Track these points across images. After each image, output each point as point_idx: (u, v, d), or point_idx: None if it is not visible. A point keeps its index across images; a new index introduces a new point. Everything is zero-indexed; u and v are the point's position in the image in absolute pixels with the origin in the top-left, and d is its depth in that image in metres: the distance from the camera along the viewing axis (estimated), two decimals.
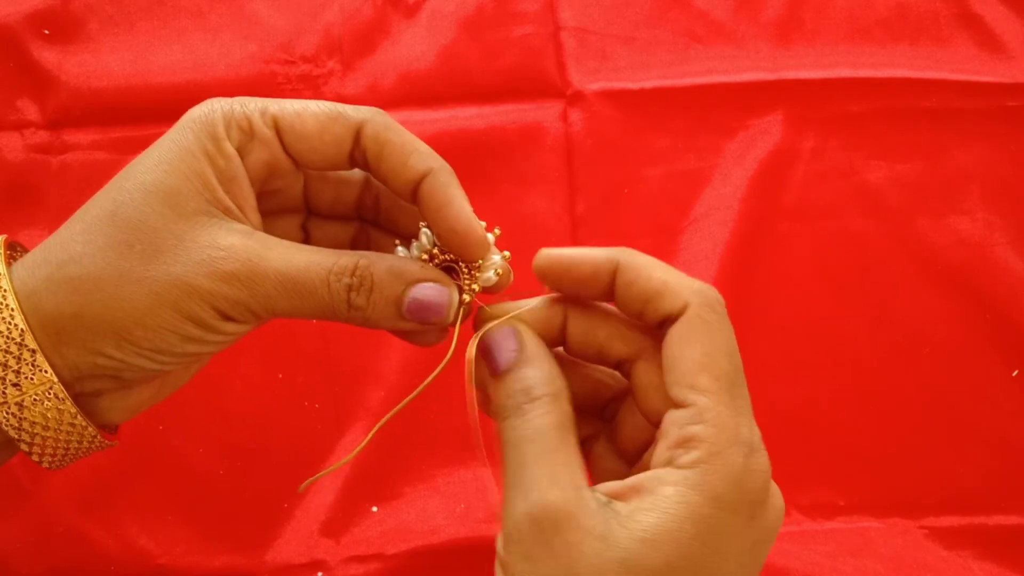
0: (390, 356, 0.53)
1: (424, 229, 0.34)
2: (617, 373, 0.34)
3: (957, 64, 0.55)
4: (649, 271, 0.30)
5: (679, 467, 0.27)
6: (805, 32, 0.56)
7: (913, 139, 0.55)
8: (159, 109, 0.54)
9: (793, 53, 0.56)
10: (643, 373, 0.31)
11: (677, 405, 0.28)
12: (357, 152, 0.33)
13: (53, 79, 0.54)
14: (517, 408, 0.29)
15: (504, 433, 0.30)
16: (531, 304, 0.32)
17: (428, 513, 0.52)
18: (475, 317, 0.33)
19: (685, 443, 0.27)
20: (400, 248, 0.34)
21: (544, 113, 0.55)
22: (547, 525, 0.27)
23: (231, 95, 0.54)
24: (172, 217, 0.30)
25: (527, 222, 0.55)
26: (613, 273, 0.30)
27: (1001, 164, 0.55)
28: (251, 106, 0.32)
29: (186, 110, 0.54)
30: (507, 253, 0.34)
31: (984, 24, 0.56)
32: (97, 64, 0.54)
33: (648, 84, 0.55)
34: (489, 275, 0.33)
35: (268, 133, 0.32)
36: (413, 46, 0.56)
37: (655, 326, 0.31)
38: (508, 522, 0.28)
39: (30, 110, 0.54)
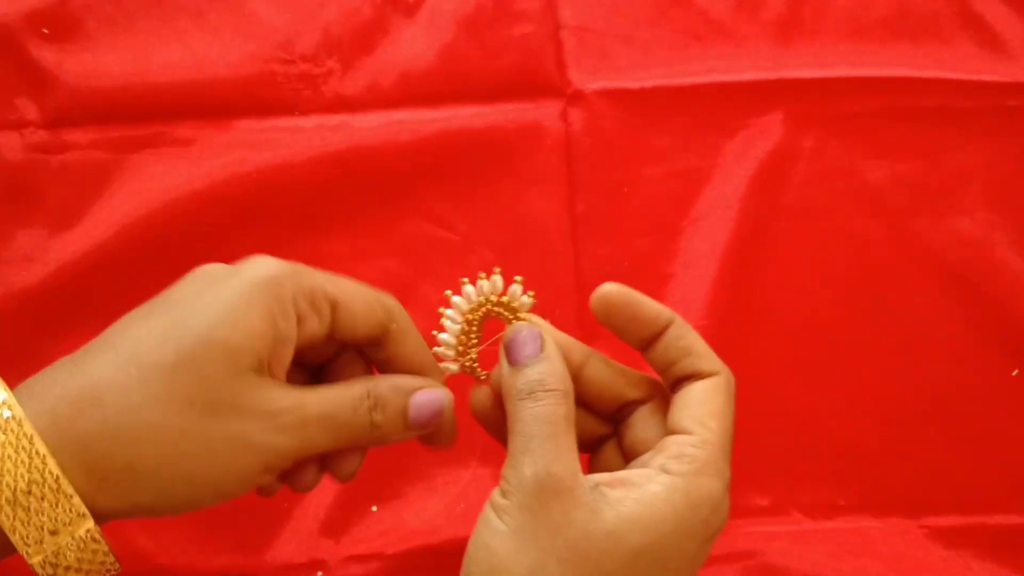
0: None
1: (467, 287, 0.37)
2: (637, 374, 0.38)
3: (958, 63, 0.55)
4: (696, 335, 0.36)
5: (669, 472, 0.32)
6: (805, 31, 0.56)
7: (913, 139, 0.55)
8: (158, 108, 0.54)
9: (793, 52, 0.56)
10: (641, 418, 0.37)
11: (681, 432, 0.33)
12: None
13: (52, 78, 0.54)
14: (532, 394, 0.33)
15: (516, 411, 0.33)
16: (648, 304, 0.36)
17: (428, 513, 0.52)
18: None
19: (680, 457, 0.32)
20: (451, 304, 0.38)
21: (544, 112, 0.55)
22: (549, 489, 0.30)
23: (230, 94, 0.54)
24: (230, 373, 0.31)
25: (527, 222, 0.55)
26: (666, 326, 0.35)
27: (1001, 164, 0.55)
28: (317, 280, 0.34)
29: (185, 109, 0.54)
30: (532, 293, 0.38)
31: (985, 23, 0.56)
32: (96, 63, 0.54)
33: (648, 84, 0.55)
34: (523, 300, 0.37)
35: (326, 310, 0.34)
36: (413, 45, 0.56)
37: (675, 379, 0.36)
38: (512, 478, 0.31)
39: (29, 109, 0.54)
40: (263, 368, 0.32)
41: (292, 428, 0.32)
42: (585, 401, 0.37)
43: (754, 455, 0.53)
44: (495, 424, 0.37)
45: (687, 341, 0.35)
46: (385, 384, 0.36)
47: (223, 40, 0.55)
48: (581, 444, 0.38)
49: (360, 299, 0.35)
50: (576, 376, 0.36)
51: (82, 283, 0.52)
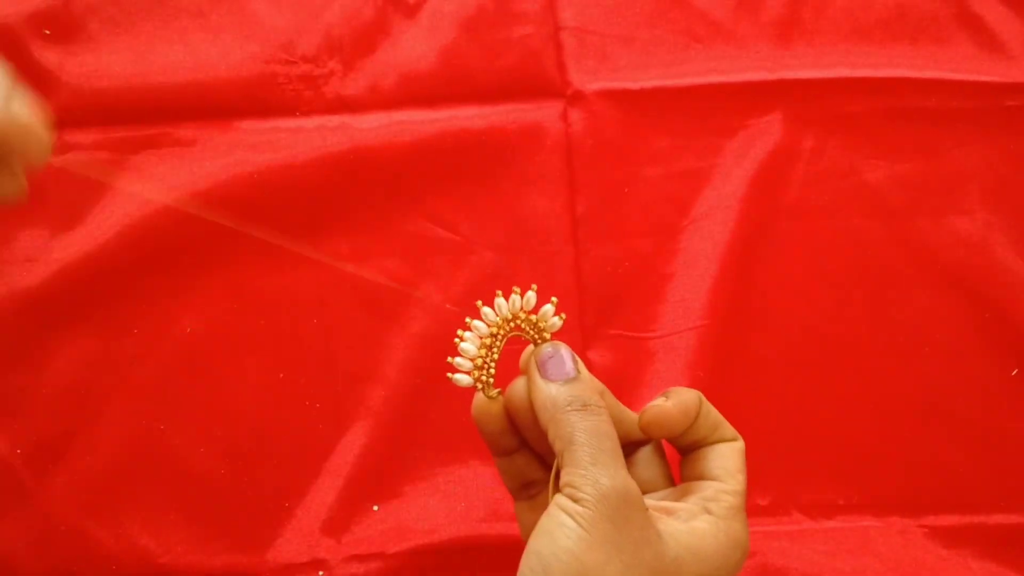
0: (391, 356, 0.53)
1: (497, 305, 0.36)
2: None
3: (957, 64, 0.55)
4: (712, 407, 0.37)
5: (712, 513, 0.34)
6: (805, 32, 0.56)
7: (913, 139, 0.55)
8: (160, 109, 0.54)
9: (793, 53, 0.56)
10: (644, 459, 0.38)
11: (716, 480, 0.35)
12: None
13: (54, 79, 0.54)
14: (585, 407, 0.33)
15: (569, 422, 0.33)
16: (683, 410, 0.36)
17: (429, 512, 0.52)
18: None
19: (719, 500, 0.34)
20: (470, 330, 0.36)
21: (544, 113, 0.55)
22: (631, 501, 0.31)
23: (232, 95, 0.55)
24: None
25: (527, 222, 0.55)
26: (697, 412, 0.36)
27: (1001, 164, 0.55)
28: None
29: (187, 110, 0.54)
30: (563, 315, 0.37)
31: (984, 24, 0.56)
32: (98, 64, 0.54)
33: (648, 84, 0.55)
34: (553, 321, 0.37)
35: None
36: (414, 46, 0.56)
37: (696, 444, 0.37)
38: (587, 487, 0.32)
39: None
40: None
41: None
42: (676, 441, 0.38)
43: (754, 455, 0.52)
44: (496, 433, 0.37)
45: (714, 415, 0.37)
46: None
47: (225, 41, 0.55)
48: None
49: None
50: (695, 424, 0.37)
51: (83, 284, 0.52)
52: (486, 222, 0.55)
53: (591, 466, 0.32)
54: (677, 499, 0.35)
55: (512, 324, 0.36)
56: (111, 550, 0.50)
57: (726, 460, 0.36)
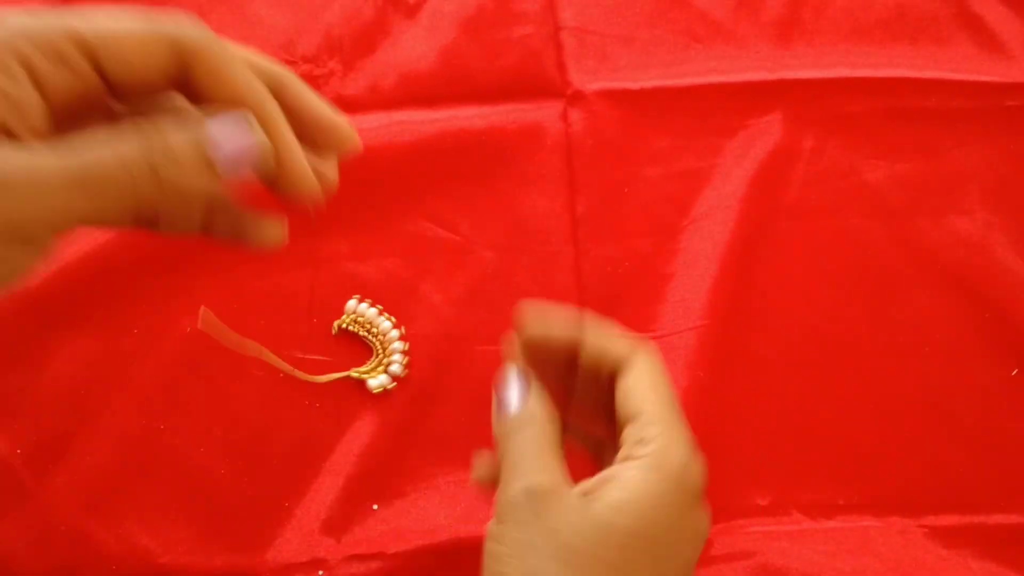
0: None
1: None
2: None
3: (957, 64, 0.55)
4: (602, 326, 0.37)
5: (636, 457, 0.33)
6: (805, 32, 0.56)
7: (913, 139, 0.55)
8: None
9: (793, 53, 0.56)
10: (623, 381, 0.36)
11: (631, 421, 0.34)
12: (176, 72, 0.30)
13: None
14: (520, 428, 0.34)
15: (503, 445, 0.35)
16: (558, 332, 0.37)
17: (429, 512, 0.52)
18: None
19: (641, 441, 0.33)
20: None
21: (544, 113, 0.55)
22: (539, 499, 0.32)
23: None
24: None
25: (527, 222, 0.55)
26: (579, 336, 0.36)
27: (1001, 164, 0.55)
28: (63, 25, 0.28)
29: None
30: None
31: (984, 24, 0.56)
32: None
33: (648, 84, 0.55)
34: (394, 363, 0.40)
35: (78, 60, 0.29)
36: (413, 46, 0.56)
37: (608, 378, 0.36)
38: (503, 500, 0.33)
39: None
40: None
41: (33, 196, 0.27)
42: (595, 374, 0.37)
43: (754, 455, 0.53)
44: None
45: (599, 336, 0.36)
46: (169, 120, 0.29)
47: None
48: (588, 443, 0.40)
49: (132, 39, 0.29)
50: (580, 354, 0.37)
51: (83, 284, 0.52)
52: (486, 222, 0.55)
53: (510, 472, 0.33)
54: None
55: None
56: (111, 550, 0.50)
57: (632, 393, 0.35)
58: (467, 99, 0.55)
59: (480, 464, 0.38)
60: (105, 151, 0.28)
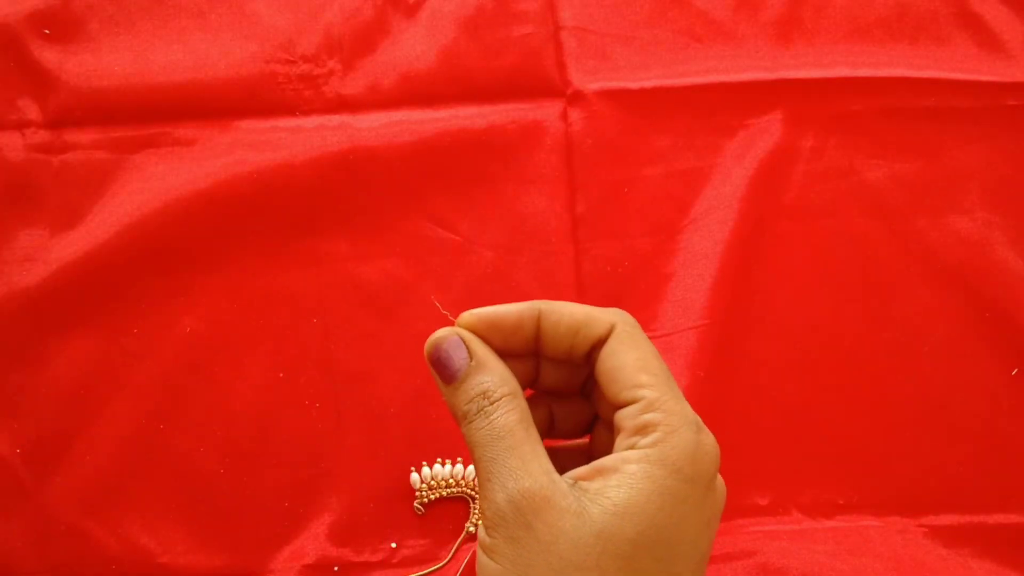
0: (392, 356, 0.53)
1: None
2: None
3: (957, 63, 0.55)
4: (571, 308, 0.33)
5: (640, 447, 0.30)
6: (804, 32, 0.56)
7: (913, 138, 0.55)
8: (160, 109, 0.54)
9: (793, 53, 0.56)
10: (606, 358, 0.33)
11: (626, 404, 0.31)
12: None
13: (54, 79, 0.54)
14: (480, 411, 0.31)
15: (470, 435, 0.31)
16: (506, 309, 0.33)
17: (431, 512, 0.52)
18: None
19: (642, 430, 0.30)
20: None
21: (544, 113, 0.55)
22: (527, 509, 0.29)
23: (231, 94, 0.55)
24: None
25: (527, 222, 0.55)
26: (537, 319, 0.33)
27: (1001, 163, 0.55)
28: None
29: (187, 109, 0.54)
30: None
31: (984, 23, 0.56)
32: (98, 64, 0.54)
33: (648, 84, 0.55)
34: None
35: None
36: (413, 46, 0.56)
37: (584, 356, 0.34)
38: (489, 511, 0.30)
39: (31, 110, 0.54)
40: None
41: None
42: (555, 355, 0.34)
43: (754, 455, 0.53)
44: None
45: (567, 319, 0.33)
46: None
47: (224, 41, 0.55)
48: (574, 427, 0.37)
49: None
50: (538, 335, 0.34)
51: (83, 283, 0.52)
52: (486, 222, 0.55)
53: (488, 482, 0.30)
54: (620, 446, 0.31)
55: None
56: (111, 550, 0.50)
57: (620, 373, 0.32)
58: (467, 99, 0.55)
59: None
60: None
